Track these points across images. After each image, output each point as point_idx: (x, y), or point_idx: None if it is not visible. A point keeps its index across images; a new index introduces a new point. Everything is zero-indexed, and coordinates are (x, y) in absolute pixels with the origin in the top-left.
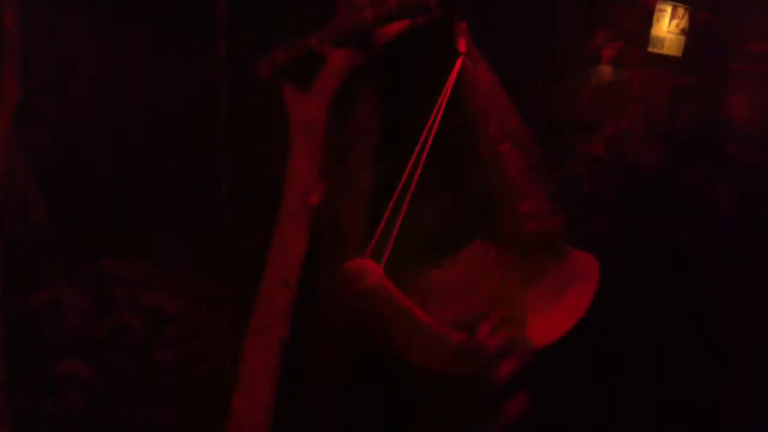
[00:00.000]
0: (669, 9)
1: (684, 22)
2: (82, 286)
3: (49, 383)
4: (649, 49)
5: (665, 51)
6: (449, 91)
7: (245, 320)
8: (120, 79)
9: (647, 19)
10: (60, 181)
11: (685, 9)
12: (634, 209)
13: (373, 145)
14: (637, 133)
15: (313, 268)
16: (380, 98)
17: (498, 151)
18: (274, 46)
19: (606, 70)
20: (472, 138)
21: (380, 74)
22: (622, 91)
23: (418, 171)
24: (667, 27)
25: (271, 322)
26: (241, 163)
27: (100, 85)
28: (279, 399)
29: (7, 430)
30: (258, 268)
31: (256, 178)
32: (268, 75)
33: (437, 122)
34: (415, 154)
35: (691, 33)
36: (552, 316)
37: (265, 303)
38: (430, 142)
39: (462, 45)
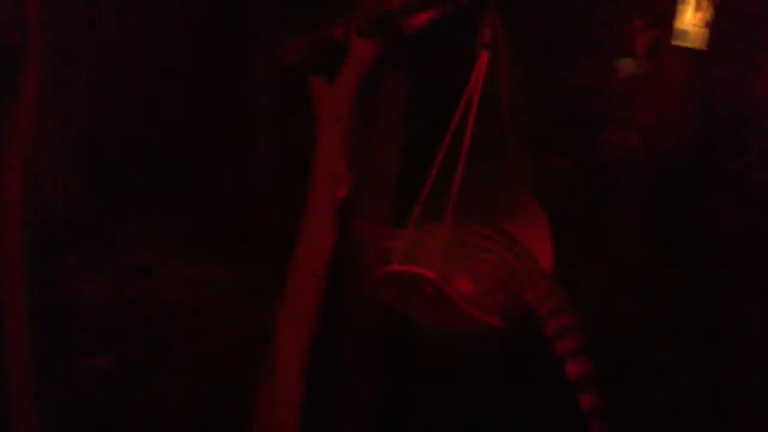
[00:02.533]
0: (693, 1)
1: (708, 14)
2: (111, 253)
3: (77, 348)
4: (673, 42)
5: (689, 44)
6: (478, 85)
7: (272, 286)
8: (154, 47)
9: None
10: (92, 148)
11: (709, 0)
12: (669, 197)
13: (399, 134)
14: (672, 121)
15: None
16: (406, 87)
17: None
18: (295, 35)
19: (641, 58)
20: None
21: (407, 63)
22: (658, 79)
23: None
24: (691, 19)
25: (300, 315)
26: (274, 134)
27: (133, 53)
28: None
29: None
30: (286, 234)
31: (287, 150)
32: (289, 65)
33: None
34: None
35: (722, 21)
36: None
37: (295, 296)
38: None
39: (486, 37)
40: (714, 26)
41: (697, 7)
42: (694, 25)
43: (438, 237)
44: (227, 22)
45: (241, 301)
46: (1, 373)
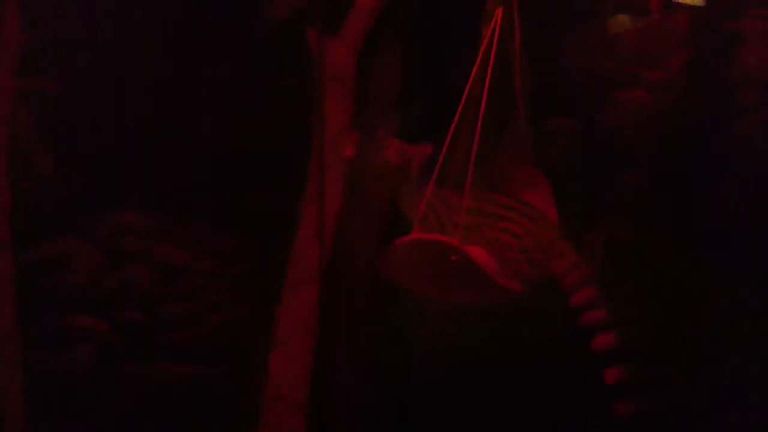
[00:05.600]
0: None
1: None
2: (91, 239)
3: (58, 337)
4: None
5: None
6: (494, 42)
7: (255, 272)
8: (127, 24)
9: None
10: (67, 131)
11: None
12: (676, 160)
13: (396, 94)
14: (682, 80)
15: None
16: (406, 44)
17: None
18: None
19: (653, 14)
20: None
21: (408, 17)
22: (668, 35)
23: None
24: None
25: (305, 279)
26: (261, 114)
27: (107, 32)
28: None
29: (18, 384)
30: (270, 219)
31: (278, 131)
32: (286, 16)
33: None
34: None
35: None
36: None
37: (298, 260)
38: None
39: None
40: None
41: None
42: None
43: (453, 206)
44: None
45: (223, 289)
46: None
